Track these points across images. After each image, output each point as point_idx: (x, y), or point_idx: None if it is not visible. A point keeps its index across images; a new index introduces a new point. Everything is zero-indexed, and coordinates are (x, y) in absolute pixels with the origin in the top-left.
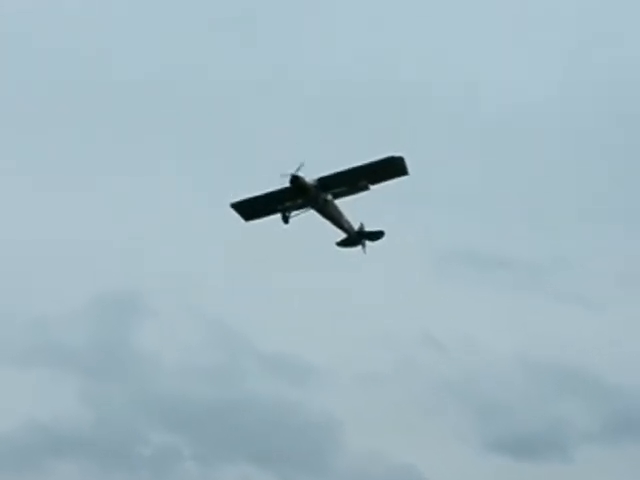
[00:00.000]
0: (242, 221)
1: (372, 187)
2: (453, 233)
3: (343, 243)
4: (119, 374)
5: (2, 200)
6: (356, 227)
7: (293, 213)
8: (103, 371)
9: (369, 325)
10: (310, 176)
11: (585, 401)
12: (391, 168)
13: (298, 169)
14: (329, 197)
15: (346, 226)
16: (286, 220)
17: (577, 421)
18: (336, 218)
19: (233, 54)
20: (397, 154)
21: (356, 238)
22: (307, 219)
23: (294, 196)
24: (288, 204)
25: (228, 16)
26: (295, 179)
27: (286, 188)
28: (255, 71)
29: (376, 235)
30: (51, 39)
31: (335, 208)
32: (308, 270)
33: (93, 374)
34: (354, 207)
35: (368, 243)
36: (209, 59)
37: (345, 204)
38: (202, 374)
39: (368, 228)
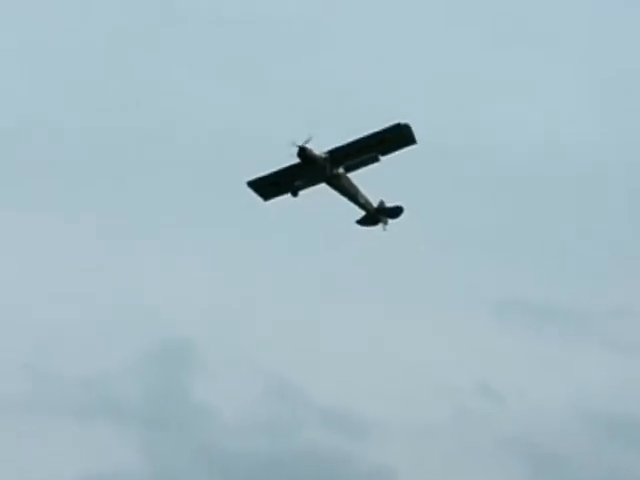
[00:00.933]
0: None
1: (382, 158)
2: (504, 282)
3: (363, 221)
4: (176, 427)
5: (55, 251)
6: (375, 204)
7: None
8: (160, 424)
9: (423, 376)
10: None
11: None
12: (399, 136)
13: (306, 142)
14: (341, 171)
15: (362, 201)
16: (295, 193)
17: (636, 472)
18: (352, 194)
19: None
20: (403, 121)
21: (375, 215)
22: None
23: (304, 170)
24: (302, 180)
25: None
26: (302, 150)
27: (296, 163)
28: None
29: (395, 211)
30: None
31: (350, 182)
32: (361, 320)
33: (150, 427)
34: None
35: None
36: None
37: None
38: (258, 427)
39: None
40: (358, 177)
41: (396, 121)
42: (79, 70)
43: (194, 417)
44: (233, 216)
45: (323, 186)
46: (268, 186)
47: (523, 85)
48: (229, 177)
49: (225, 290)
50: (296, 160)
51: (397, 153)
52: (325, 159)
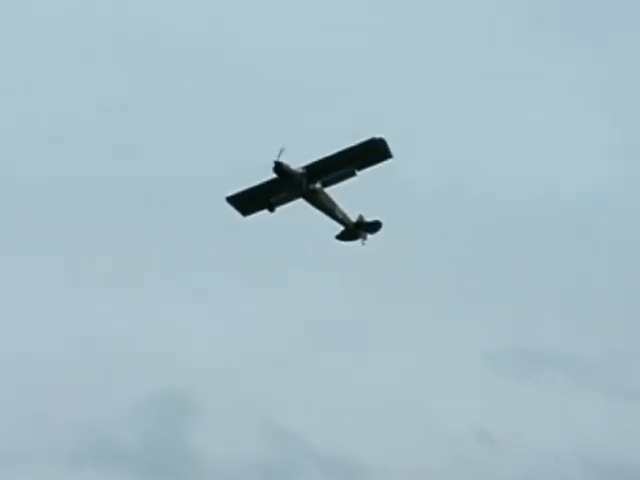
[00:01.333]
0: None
1: (359, 173)
2: (501, 330)
3: (342, 237)
4: (172, 474)
5: (54, 297)
6: (354, 219)
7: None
8: (156, 471)
9: (422, 422)
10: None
11: None
12: (374, 151)
13: (279, 155)
14: (318, 186)
15: (340, 216)
16: (271, 209)
17: None
18: (329, 208)
19: None
20: (378, 136)
21: (354, 230)
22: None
23: (281, 185)
24: (280, 195)
25: None
26: (278, 165)
27: (273, 178)
28: None
29: (374, 226)
30: None
31: (327, 198)
32: (358, 366)
33: (146, 474)
34: None
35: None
36: None
37: None
38: (256, 473)
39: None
40: (335, 192)
41: (371, 136)
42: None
43: (190, 464)
44: (230, 266)
45: (300, 201)
46: (247, 201)
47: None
48: (224, 221)
49: (223, 338)
50: (273, 175)
51: (374, 167)
52: (302, 174)
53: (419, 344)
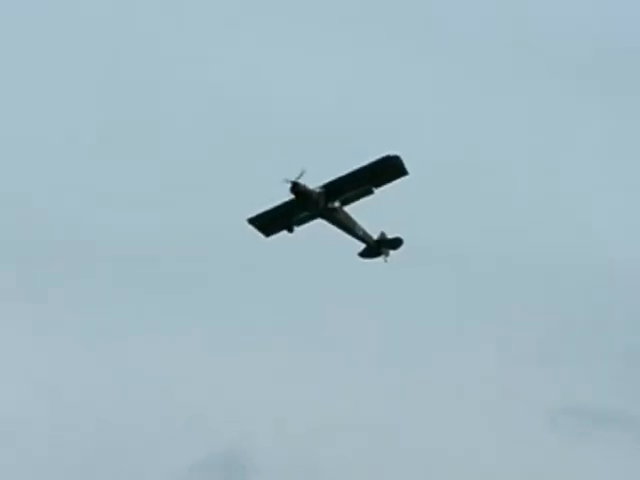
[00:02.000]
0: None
1: (376, 190)
2: (563, 389)
3: (364, 254)
4: None
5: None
6: (375, 236)
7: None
8: None
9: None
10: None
11: None
12: (390, 168)
13: (299, 176)
14: (337, 204)
15: (361, 234)
16: (290, 229)
17: None
18: (349, 227)
19: None
20: (393, 153)
21: (376, 247)
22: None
23: (299, 205)
24: (300, 215)
25: None
26: (295, 185)
27: (291, 199)
28: None
29: (395, 242)
30: None
31: (346, 216)
32: (414, 425)
33: None
34: None
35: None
36: None
37: None
38: None
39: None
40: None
41: (385, 153)
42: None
43: None
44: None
45: (320, 221)
46: (268, 222)
47: None
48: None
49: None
50: (291, 196)
51: (390, 185)
52: (319, 193)
53: (470, 400)
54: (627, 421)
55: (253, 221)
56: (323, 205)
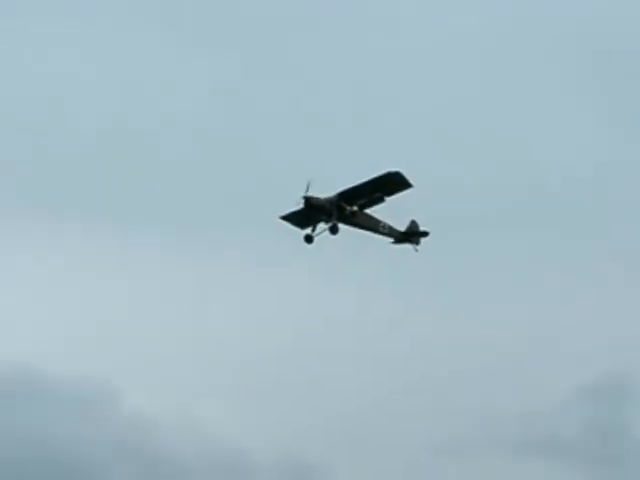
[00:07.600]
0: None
1: (387, 199)
2: None
3: (395, 241)
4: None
5: None
6: (403, 228)
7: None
8: (597, 460)
9: None
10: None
11: None
12: (393, 182)
13: (307, 189)
14: (355, 208)
15: (386, 231)
16: (310, 240)
17: None
18: (372, 227)
19: None
20: (394, 169)
21: (403, 238)
22: None
23: (315, 215)
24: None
25: None
26: (307, 200)
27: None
28: None
29: (422, 234)
30: None
31: (366, 217)
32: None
33: (586, 464)
34: None
35: None
36: None
37: None
38: None
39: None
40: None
41: (386, 170)
42: None
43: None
44: None
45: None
46: (301, 217)
47: None
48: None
49: None
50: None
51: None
52: (332, 202)
53: None
54: None
55: (286, 218)
56: (337, 212)
